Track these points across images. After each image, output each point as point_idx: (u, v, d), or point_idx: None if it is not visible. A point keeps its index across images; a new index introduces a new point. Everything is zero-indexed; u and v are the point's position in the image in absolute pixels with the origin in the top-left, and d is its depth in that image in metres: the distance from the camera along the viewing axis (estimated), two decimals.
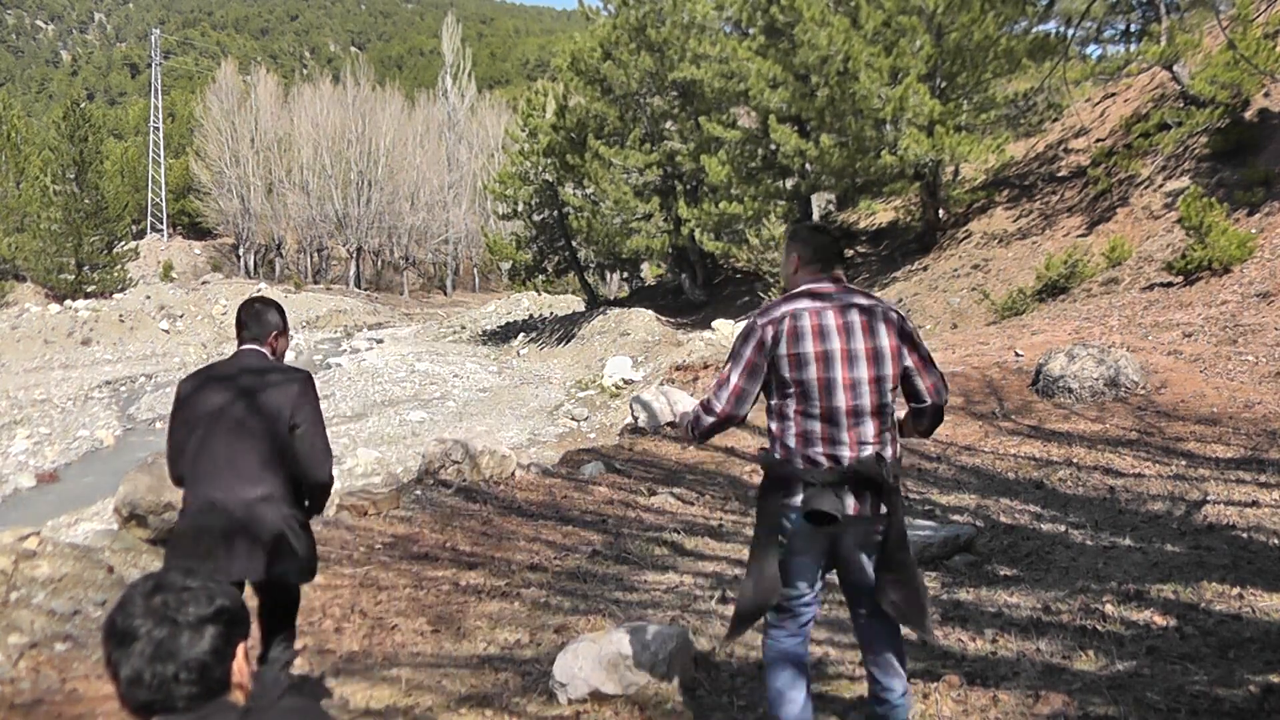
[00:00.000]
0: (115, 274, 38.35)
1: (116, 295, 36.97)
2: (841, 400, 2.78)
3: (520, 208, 29.78)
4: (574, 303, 33.76)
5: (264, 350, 3.42)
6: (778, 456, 2.86)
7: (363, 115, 50.67)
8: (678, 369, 15.80)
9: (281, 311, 3.54)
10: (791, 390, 2.81)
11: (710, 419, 2.90)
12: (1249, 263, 11.82)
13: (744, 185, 20.74)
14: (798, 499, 2.80)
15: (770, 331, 2.82)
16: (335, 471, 3.52)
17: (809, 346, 2.78)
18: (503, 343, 29.13)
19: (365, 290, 50.00)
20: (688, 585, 5.30)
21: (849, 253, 22.05)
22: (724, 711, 3.60)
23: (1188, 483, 6.39)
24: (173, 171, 56.01)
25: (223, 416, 3.24)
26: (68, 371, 26.88)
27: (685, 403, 10.12)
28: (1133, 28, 19.44)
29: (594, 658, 3.71)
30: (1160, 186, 15.70)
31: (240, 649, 1.52)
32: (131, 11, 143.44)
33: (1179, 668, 3.54)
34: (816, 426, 2.79)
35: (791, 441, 2.82)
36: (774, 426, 2.87)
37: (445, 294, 54.44)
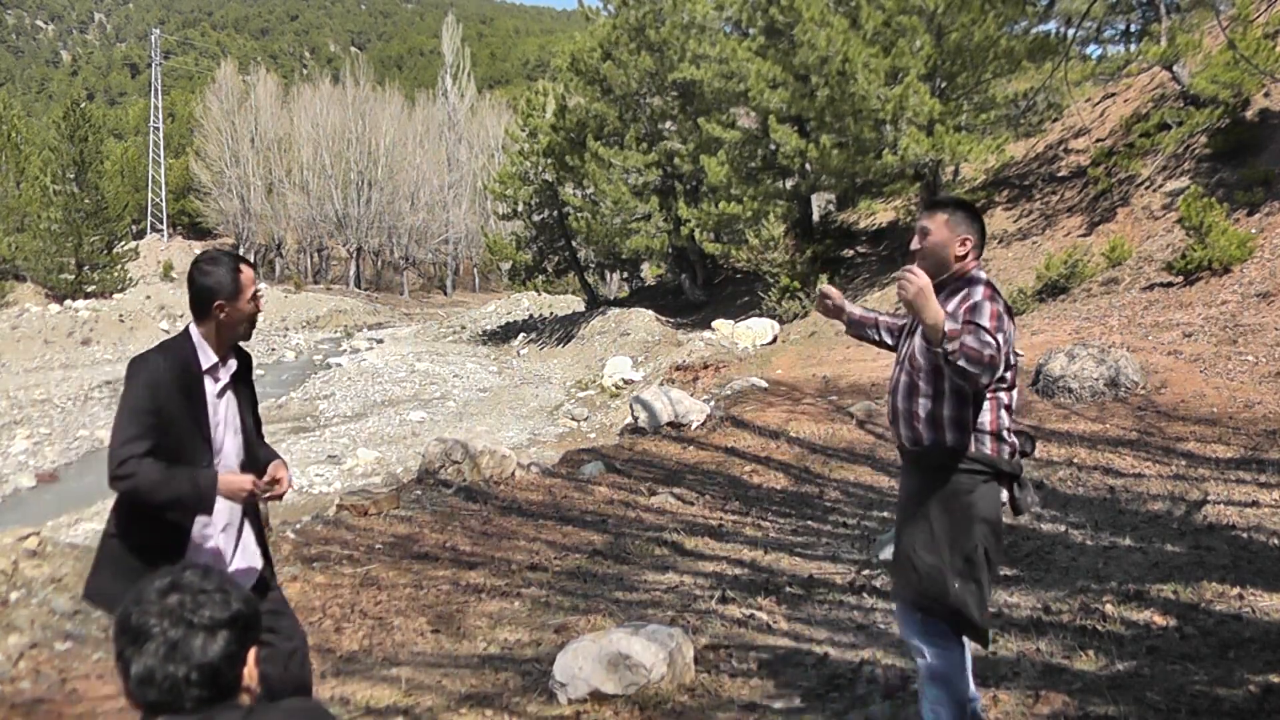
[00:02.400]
0: (115, 274, 38.34)
1: (116, 295, 36.96)
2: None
3: (520, 208, 29.78)
4: (574, 303, 33.75)
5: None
6: (988, 451, 2.75)
7: (362, 115, 50.67)
8: (678, 369, 15.80)
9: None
10: (1007, 375, 2.76)
11: (985, 382, 2.54)
12: (1249, 263, 11.82)
13: (744, 185, 20.73)
14: (1005, 495, 2.82)
15: (1009, 317, 2.72)
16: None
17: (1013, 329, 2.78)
18: (503, 343, 29.12)
19: (365, 290, 50.00)
20: (688, 585, 5.30)
21: (848, 253, 22.07)
22: (724, 711, 3.60)
23: (1188, 483, 6.39)
24: (173, 171, 56.01)
25: None
26: (68, 371, 26.87)
27: (685, 403, 10.12)
28: (1133, 28, 19.44)
29: (594, 658, 3.72)
30: (1160, 186, 15.69)
31: (252, 653, 1.52)
32: (131, 11, 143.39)
33: (1179, 668, 3.54)
34: (1007, 417, 2.79)
35: (1004, 432, 2.77)
36: (988, 417, 2.75)
37: (445, 294, 54.44)
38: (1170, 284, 12.44)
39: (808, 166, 19.68)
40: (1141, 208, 15.58)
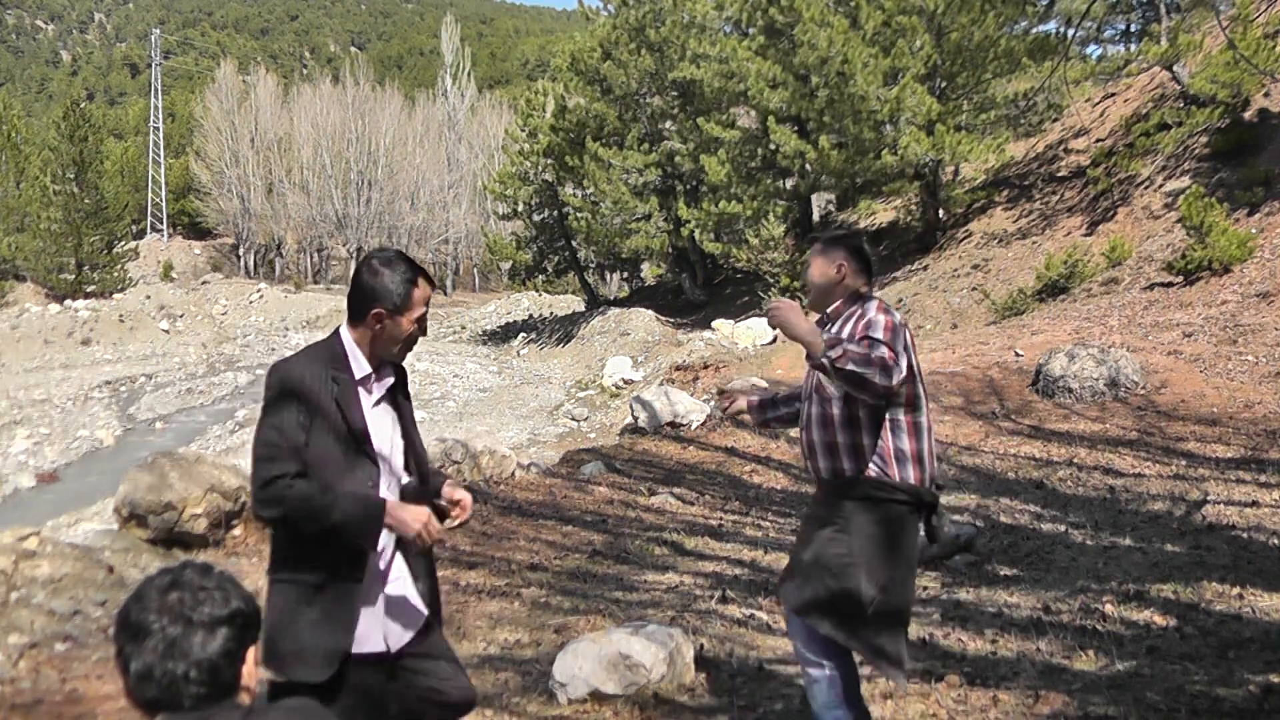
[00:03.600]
0: (115, 274, 38.34)
1: (116, 295, 36.95)
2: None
3: (520, 208, 29.78)
4: (574, 303, 33.74)
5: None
6: (911, 479, 2.70)
7: (362, 115, 50.63)
8: (678, 369, 15.80)
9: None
10: (911, 399, 2.72)
11: (882, 385, 2.49)
12: (1249, 263, 11.82)
13: (743, 185, 20.73)
14: (922, 525, 2.79)
15: (907, 332, 2.70)
16: (462, 494, 2.46)
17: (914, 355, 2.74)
18: (503, 343, 29.12)
19: None
20: (688, 585, 5.30)
21: None
22: (724, 712, 3.60)
23: (1188, 483, 6.39)
24: (173, 171, 55.99)
25: None
26: (68, 371, 26.87)
27: (685, 403, 10.12)
28: (1133, 28, 19.47)
29: (594, 658, 3.71)
30: (1160, 186, 15.69)
31: (251, 652, 1.52)
32: (131, 11, 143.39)
33: (1179, 668, 3.53)
34: (926, 442, 2.75)
35: (924, 458, 2.73)
36: (907, 443, 2.71)
37: (445, 294, 54.38)
38: (1170, 284, 12.44)
39: (807, 166, 19.68)
40: (1141, 208, 15.58)
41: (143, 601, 1.46)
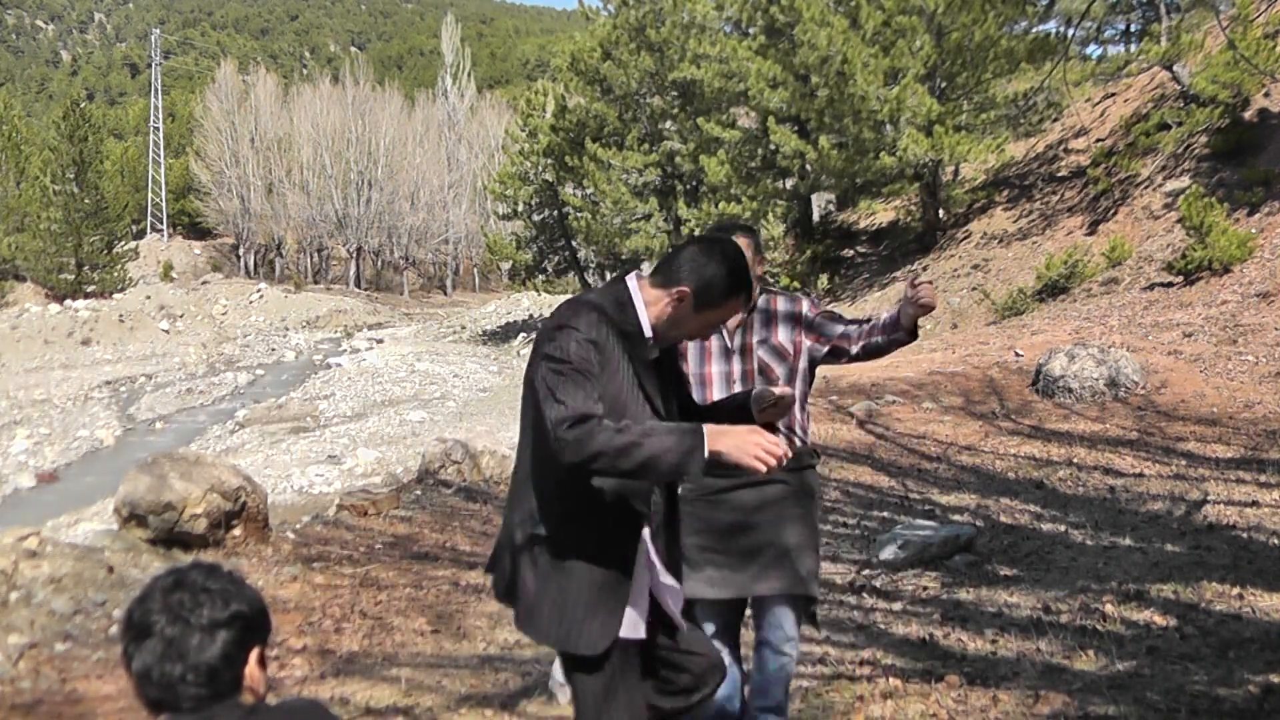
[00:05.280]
0: (115, 274, 38.35)
1: (116, 295, 36.96)
2: None
3: (520, 208, 29.79)
4: None
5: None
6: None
7: (362, 115, 50.64)
8: None
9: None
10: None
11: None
12: (1249, 263, 11.83)
13: (743, 185, 20.73)
14: None
15: None
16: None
17: None
18: (503, 343, 29.13)
19: (365, 290, 49.97)
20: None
21: (848, 253, 22.07)
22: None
23: (1188, 483, 6.39)
24: (173, 171, 55.97)
25: None
26: (68, 371, 26.88)
27: None
28: (1133, 28, 19.46)
29: None
30: (1160, 186, 15.69)
31: (254, 653, 1.52)
32: (131, 11, 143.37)
33: (1179, 668, 3.53)
34: None
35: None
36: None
37: (445, 294, 54.42)
38: (1170, 284, 12.45)
39: (807, 167, 19.69)
40: (1141, 208, 15.58)
41: (146, 602, 1.47)
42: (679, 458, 1.91)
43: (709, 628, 2.89)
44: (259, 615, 1.53)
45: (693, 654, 2.30)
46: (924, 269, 18.30)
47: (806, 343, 2.96)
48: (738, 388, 2.87)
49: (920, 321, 2.88)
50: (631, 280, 2.19)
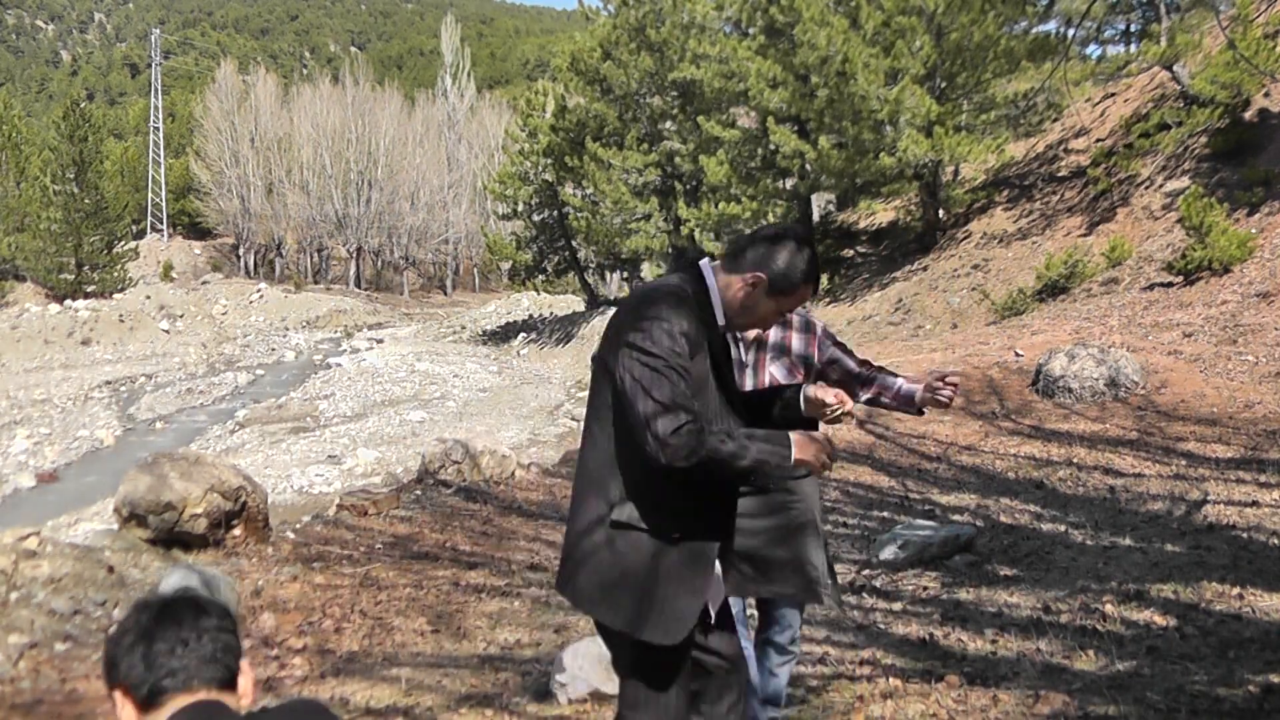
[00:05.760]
0: (115, 274, 38.34)
1: (116, 295, 36.95)
2: None
3: (520, 208, 29.79)
4: (574, 303, 33.76)
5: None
6: None
7: (362, 115, 50.65)
8: None
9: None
10: None
11: None
12: (1249, 263, 11.83)
13: (743, 185, 20.73)
14: None
15: None
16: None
17: None
18: (503, 343, 29.14)
19: (365, 290, 49.98)
20: None
21: (848, 253, 22.07)
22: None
23: (1188, 483, 6.39)
24: (173, 171, 55.95)
25: None
26: (68, 371, 26.88)
27: None
28: (1133, 28, 19.45)
29: (594, 657, 3.71)
30: (1160, 186, 15.69)
31: (245, 662, 1.53)
32: (131, 11, 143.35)
33: (1179, 668, 3.53)
34: None
35: None
36: None
37: (445, 294, 54.42)
38: (1170, 284, 12.45)
39: (807, 167, 19.68)
40: (1141, 208, 15.58)
41: (121, 628, 1.51)
42: (773, 466, 2.04)
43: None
44: (232, 631, 1.56)
45: (714, 653, 2.31)
46: (924, 268, 18.30)
47: (817, 367, 2.96)
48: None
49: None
50: (705, 266, 2.19)
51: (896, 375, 2.85)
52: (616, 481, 2.11)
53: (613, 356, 2.07)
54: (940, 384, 2.64)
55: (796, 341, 2.95)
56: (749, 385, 2.91)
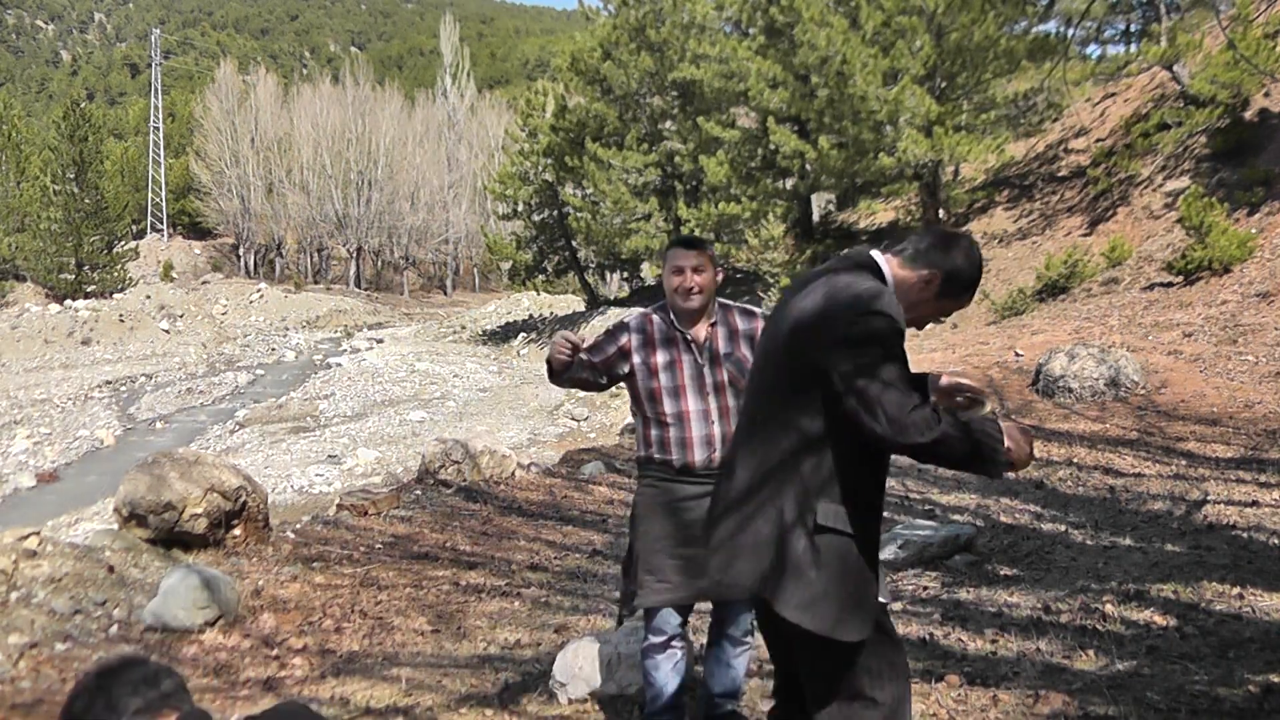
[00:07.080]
0: (115, 274, 38.35)
1: (116, 295, 36.96)
2: None
3: (520, 208, 29.78)
4: (574, 303, 33.75)
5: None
6: None
7: (362, 115, 50.67)
8: None
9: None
10: None
11: None
12: (1249, 263, 11.83)
13: (743, 185, 20.73)
14: None
15: None
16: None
17: None
18: (503, 343, 29.13)
19: (365, 290, 49.99)
20: None
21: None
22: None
23: (1188, 482, 6.39)
24: (173, 171, 55.96)
25: None
26: (68, 371, 26.88)
27: None
28: (1133, 28, 19.45)
29: (594, 658, 3.71)
30: (1160, 186, 15.69)
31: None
32: (131, 11, 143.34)
33: (1179, 668, 3.53)
34: None
35: None
36: None
37: (445, 294, 54.44)
38: (1170, 284, 12.44)
39: (807, 167, 19.69)
40: (1141, 208, 15.58)
41: (75, 701, 1.66)
42: (988, 452, 2.01)
43: (672, 618, 3.04)
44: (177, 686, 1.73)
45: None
46: None
47: None
48: (711, 397, 2.94)
49: None
50: (880, 257, 2.19)
51: None
52: (806, 488, 2.10)
53: (826, 353, 2.04)
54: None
55: (744, 347, 2.99)
56: (710, 381, 2.95)
